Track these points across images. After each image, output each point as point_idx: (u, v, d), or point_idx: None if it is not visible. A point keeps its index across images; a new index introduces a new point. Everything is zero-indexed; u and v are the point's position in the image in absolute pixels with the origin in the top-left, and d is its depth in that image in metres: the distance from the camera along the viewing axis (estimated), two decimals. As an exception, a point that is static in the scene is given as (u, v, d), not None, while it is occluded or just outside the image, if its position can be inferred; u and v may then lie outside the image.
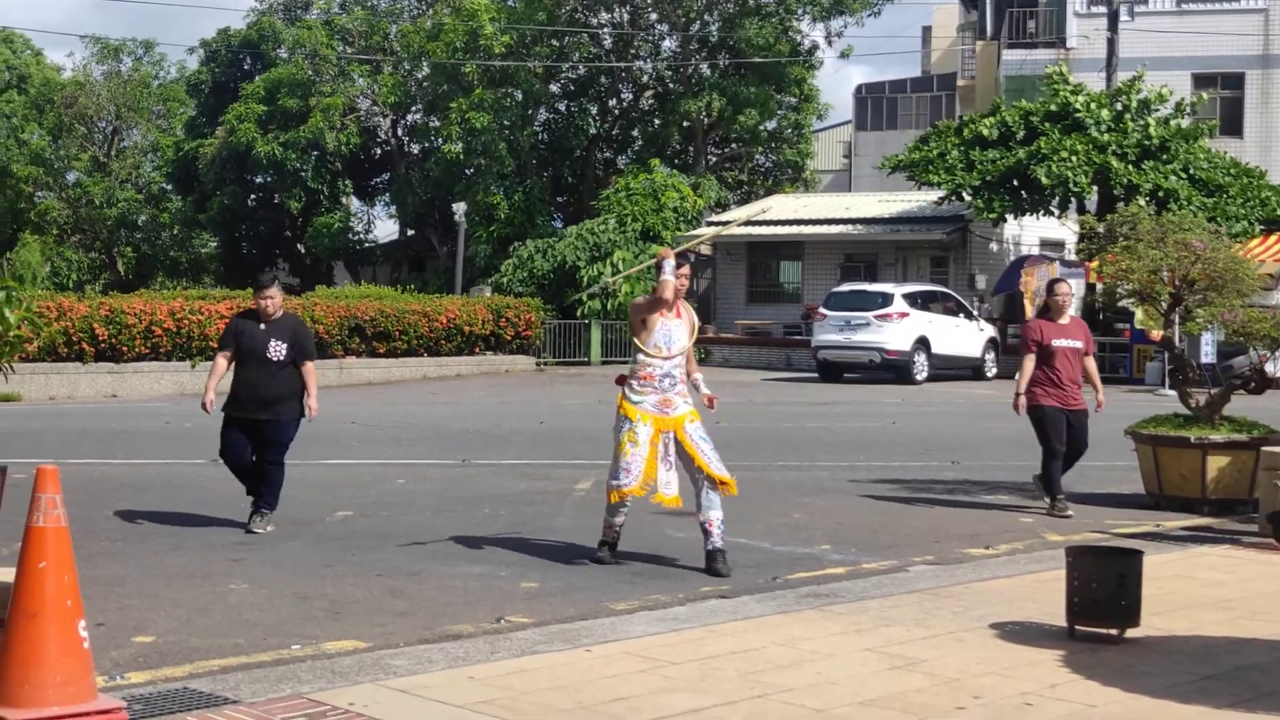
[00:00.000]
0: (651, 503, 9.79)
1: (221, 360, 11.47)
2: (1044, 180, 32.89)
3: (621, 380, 9.90)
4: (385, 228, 57.93)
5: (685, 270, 9.89)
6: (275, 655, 7.20)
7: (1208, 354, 26.99)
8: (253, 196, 52.83)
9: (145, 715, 5.84)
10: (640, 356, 9.73)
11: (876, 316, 31.28)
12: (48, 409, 24.75)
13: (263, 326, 11.29)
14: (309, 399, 11.38)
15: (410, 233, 52.81)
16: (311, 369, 11.45)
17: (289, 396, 11.30)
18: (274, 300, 11.33)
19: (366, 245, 53.53)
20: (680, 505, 9.76)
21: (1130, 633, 7.40)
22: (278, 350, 11.19)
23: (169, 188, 56.78)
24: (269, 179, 50.52)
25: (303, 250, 53.15)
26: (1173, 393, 20.37)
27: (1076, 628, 7.46)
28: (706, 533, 9.63)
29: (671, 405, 9.66)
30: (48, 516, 5.24)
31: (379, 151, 52.99)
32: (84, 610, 5.31)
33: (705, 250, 43.20)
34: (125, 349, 28.00)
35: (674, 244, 37.95)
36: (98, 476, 14.33)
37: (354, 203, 53.68)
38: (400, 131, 52.26)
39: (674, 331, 9.73)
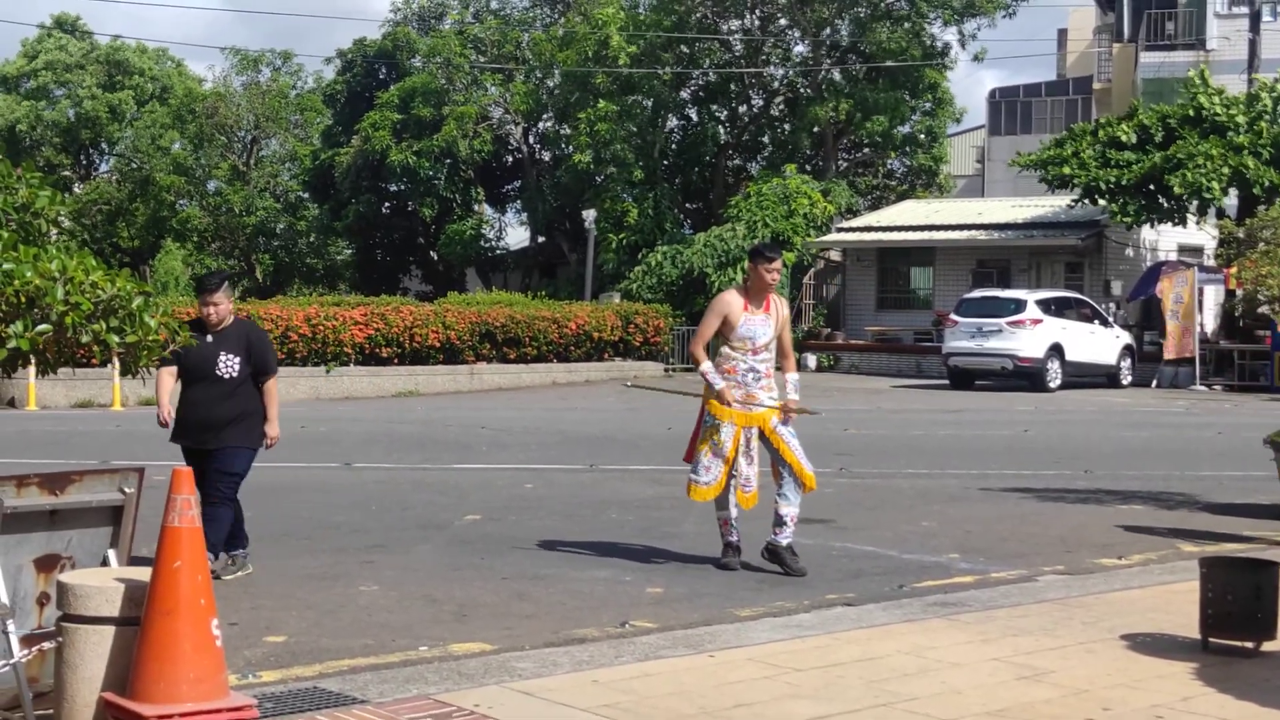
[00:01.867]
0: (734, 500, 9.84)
1: (166, 375, 9.67)
2: (1177, 189, 32.22)
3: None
4: (516, 235, 58.07)
5: (777, 264, 9.82)
6: (403, 656, 7.30)
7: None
8: (387, 204, 53.46)
9: (276, 713, 5.95)
10: (724, 350, 9.77)
11: (1009, 323, 30.89)
12: (187, 413, 25.27)
13: (209, 338, 9.51)
14: (268, 424, 9.69)
15: (541, 239, 53.13)
16: (273, 386, 9.75)
17: (242, 419, 9.55)
18: (220, 307, 9.59)
19: (498, 252, 53.94)
20: (756, 502, 9.84)
21: (1266, 646, 7.23)
22: (229, 365, 9.50)
23: (306, 196, 57.64)
24: (403, 187, 51.13)
25: (435, 257, 53.67)
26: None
27: (1210, 640, 7.32)
28: (782, 524, 9.68)
29: (756, 400, 9.68)
30: (182, 517, 5.35)
31: (510, 159, 53.36)
32: (217, 609, 5.41)
33: (835, 256, 42.95)
34: (262, 354, 28.48)
35: (804, 249, 37.86)
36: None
37: (486, 210, 54.08)
38: (531, 139, 52.60)
39: (758, 326, 9.73)
